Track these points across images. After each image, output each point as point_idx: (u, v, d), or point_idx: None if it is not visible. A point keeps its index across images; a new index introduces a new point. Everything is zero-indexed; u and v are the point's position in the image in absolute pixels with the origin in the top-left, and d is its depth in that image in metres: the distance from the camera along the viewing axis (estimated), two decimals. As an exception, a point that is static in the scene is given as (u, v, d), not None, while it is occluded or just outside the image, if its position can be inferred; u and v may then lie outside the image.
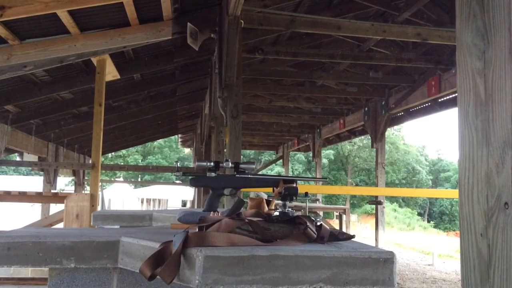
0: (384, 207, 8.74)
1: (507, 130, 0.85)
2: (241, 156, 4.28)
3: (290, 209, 1.37)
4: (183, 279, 0.94)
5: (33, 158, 8.65)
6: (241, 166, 1.54)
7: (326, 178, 2.59)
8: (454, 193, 8.35)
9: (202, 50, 4.45)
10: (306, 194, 1.51)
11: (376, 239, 8.53)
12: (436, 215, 33.56)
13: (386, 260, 0.97)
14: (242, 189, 1.96)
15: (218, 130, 5.44)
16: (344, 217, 9.82)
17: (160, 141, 31.44)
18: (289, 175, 1.87)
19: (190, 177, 1.58)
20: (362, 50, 6.65)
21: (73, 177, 12.62)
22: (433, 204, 33.66)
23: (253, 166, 1.56)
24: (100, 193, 7.65)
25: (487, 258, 0.88)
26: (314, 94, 8.97)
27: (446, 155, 42.91)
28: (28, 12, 3.05)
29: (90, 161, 4.96)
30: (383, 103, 8.37)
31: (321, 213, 9.83)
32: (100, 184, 5.31)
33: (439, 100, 7.69)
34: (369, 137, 9.28)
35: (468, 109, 0.94)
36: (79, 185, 10.98)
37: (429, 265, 8.83)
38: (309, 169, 30.39)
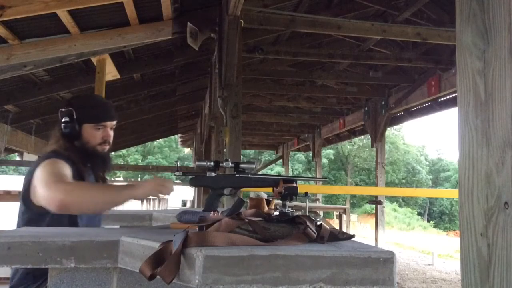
0: (384, 207, 8.74)
1: (507, 130, 0.85)
2: (241, 156, 4.28)
3: (290, 209, 1.37)
4: (183, 279, 0.94)
5: (33, 157, 8.64)
6: (241, 165, 1.54)
7: (326, 178, 2.61)
8: (454, 193, 8.35)
9: (202, 50, 4.45)
10: (306, 193, 1.51)
11: (376, 239, 8.53)
12: (436, 215, 33.58)
13: (386, 260, 0.97)
14: (242, 189, 1.96)
15: (218, 130, 5.44)
16: (344, 217, 9.81)
17: (160, 140, 31.44)
18: (289, 175, 1.88)
19: (190, 177, 1.58)
20: (362, 50, 6.65)
21: (73, 177, 12.59)
22: (433, 204, 33.68)
23: (253, 166, 1.56)
24: (100, 193, 7.63)
25: (487, 258, 0.88)
26: (314, 94, 8.97)
27: (446, 155, 42.98)
28: (28, 12, 3.04)
29: (90, 161, 4.95)
30: (383, 102, 8.37)
31: (321, 213, 9.82)
32: (100, 184, 5.30)
33: (439, 100, 7.70)
34: (369, 137, 9.28)
35: (468, 109, 0.94)
36: (79, 184, 10.95)
37: (429, 265, 8.84)
38: (309, 169, 30.40)
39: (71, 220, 1.72)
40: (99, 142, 1.85)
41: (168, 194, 1.59)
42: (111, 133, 1.90)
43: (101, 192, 1.56)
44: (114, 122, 1.91)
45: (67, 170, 1.67)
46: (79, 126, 1.81)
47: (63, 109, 1.83)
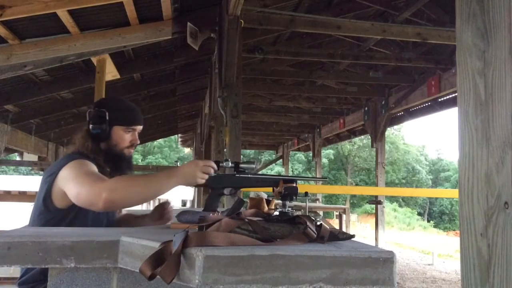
0: (384, 206, 8.74)
1: (507, 130, 0.85)
2: (241, 156, 4.28)
3: (290, 208, 1.37)
4: (183, 279, 0.94)
5: (33, 157, 8.65)
6: (241, 165, 1.54)
7: (326, 178, 2.61)
8: (454, 193, 8.35)
9: (202, 49, 4.45)
10: (306, 193, 1.51)
11: (376, 239, 8.53)
12: (436, 214, 33.59)
13: (386, 259, 0.97)
14: (242, 189, 1.96)
15: (218, 129, 5.43)
16: (344, 216, 9.82)
17: (160, 140, 31.46)
18: (289, 175, 1.87)
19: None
20: (362, 50, 6.65)
21: (73, 177, 12.56)
22: (433, 203, 33.69)
23: (253, 166, 1.56)
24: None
25: (487, 258, 0.88)
26: (314, 93, 8.97)
27: (446, 155, 43.00)
28: (28, 12, 3.05)
29: (90, 161, 4.95)
30: (383, 102, 8.37)
31: (321, 213, 9.82)
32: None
33: (439, 99, 7.70)
34: (369, 137, 9.28)
35: (468, 109, 0.94)
36: (79, 184, 10.93)
37: (429, 265, 8.84)
38: (309, 169, 30.41)
39: (93, 223, 1.68)
40: (127, 145, 1.83)
41: (211, 174, 1.50)
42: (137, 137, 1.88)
43: (144, 185, 1.49)
44: (141, 127, 1.88)
45: (96, 169, 1.64)
46: (110, 128, 1.77)
47: (93, 110, 1.78)
